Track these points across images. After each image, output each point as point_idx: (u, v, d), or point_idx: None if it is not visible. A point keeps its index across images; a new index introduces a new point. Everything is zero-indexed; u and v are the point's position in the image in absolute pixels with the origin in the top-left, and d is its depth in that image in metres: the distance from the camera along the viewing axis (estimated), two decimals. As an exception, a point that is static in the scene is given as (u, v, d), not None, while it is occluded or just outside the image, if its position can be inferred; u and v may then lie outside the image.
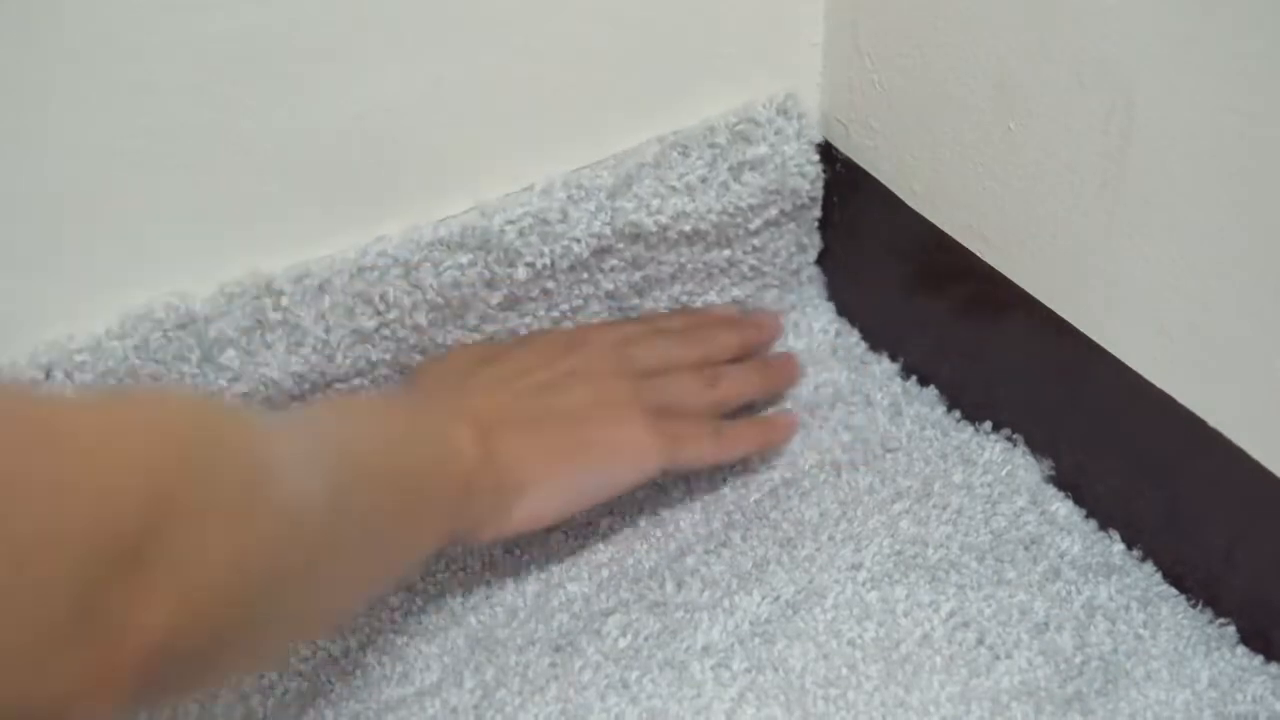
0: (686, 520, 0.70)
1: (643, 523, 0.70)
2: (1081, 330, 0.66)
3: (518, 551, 0.69)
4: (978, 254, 0.70)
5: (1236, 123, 0.54)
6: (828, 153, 0.77)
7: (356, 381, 0.68)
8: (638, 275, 0.74)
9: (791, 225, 0.78)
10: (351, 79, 0.62)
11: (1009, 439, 0.73)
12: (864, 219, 0.77)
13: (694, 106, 0.72)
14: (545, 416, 0.63)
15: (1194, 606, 0.66)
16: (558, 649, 0.64)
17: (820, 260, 0.81)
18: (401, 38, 0.63)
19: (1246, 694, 0.62)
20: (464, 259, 0.68)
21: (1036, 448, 0.72)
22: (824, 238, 0.80)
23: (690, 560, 0.68)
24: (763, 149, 0.73)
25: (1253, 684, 0.62)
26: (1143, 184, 0.59)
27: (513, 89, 0.67)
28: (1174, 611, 0.65)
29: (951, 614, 0.65)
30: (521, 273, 0.70)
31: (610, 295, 0.74)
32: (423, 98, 0.65)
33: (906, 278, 0.76)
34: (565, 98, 0.69)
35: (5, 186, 0.58)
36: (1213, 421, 0.61)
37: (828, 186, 0.77)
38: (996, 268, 0.69)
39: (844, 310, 0.82)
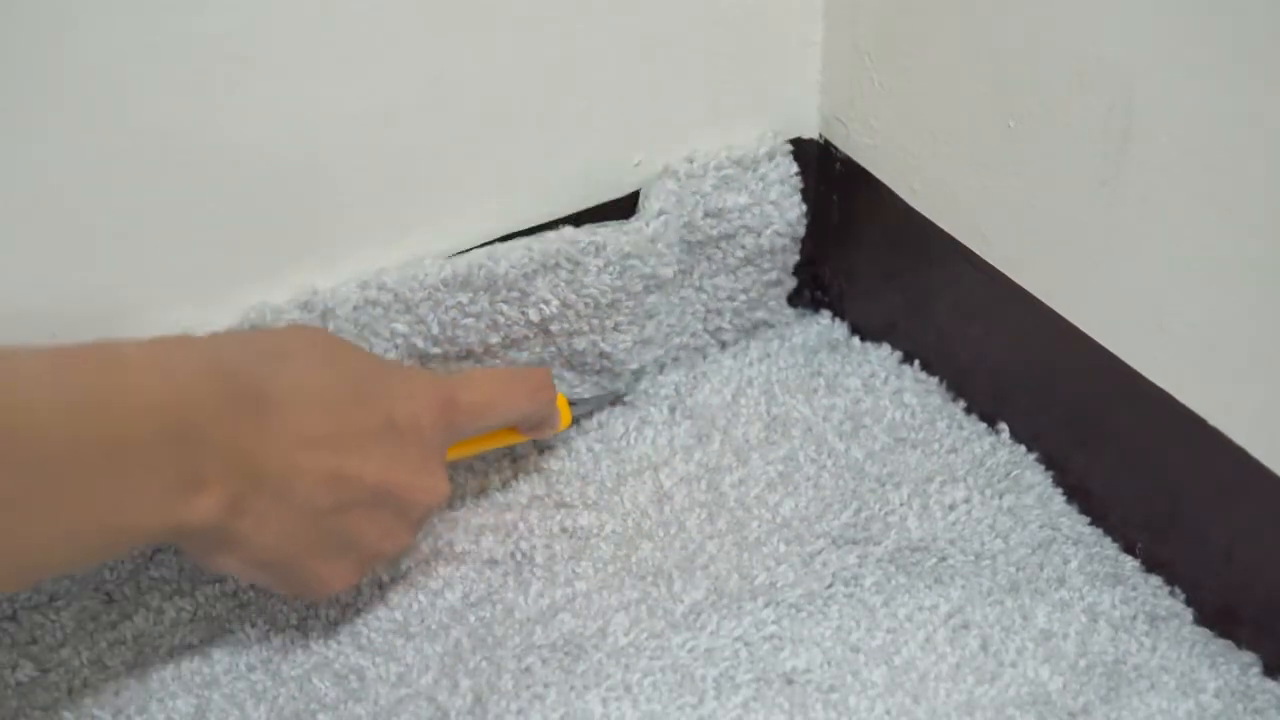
0: (692, 520, 0.70)
1: (647, 524, 0.70)
2: (1081, 329, 0.65)
3: (519, 555, 0.69)
4: (977, 252, 0.70)
5: (1236, 122, 0.54)
6: (827, 152, 0.77)
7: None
8: (649, 324, 0.76)
9: (777, 256, 0.78)
10: (349, 89, 0.63)
11: (1010, 438, 0.73)
12: (864, 218, 0.77)
13: (694, 108, 0.72)
14: (314, 523, 0.57)
15: (1198, 613, 0.65)
16: (557, 648, 0.64)
17: (820, 259, 0.81)
18: (407, 49, 0.63)
19: (1251, 705, 0.61)
20: (464, 297, 0.68)
21: (1037, 446, 0.72)
22: (824, 238, 0.79)
23: (699, 559, 0.68)
24: (743, 198, 0.74)
25: (1259, 696, 0.62)
26: (1142, 183, 0.59)
27: (509, 126, 0.68)
28: (1179, 620, 0.65)
29: (955, 618, 0.65)
30: (525, 318, 0.71)
31: (604, 356, 0.75)
32: (419, 116, 0.65)
33: (906, 276, 0.76)
34: (572, 128, 0.70)
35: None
36: (1213, 421, 0.61)
37: (828, 185, 0.77)
38: (996, 266, 0.69)
39: (844, 309, 0.82)
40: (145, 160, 0.59)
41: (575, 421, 0.75)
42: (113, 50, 0.56)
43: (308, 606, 0.67)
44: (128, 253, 0.61)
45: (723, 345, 0.81)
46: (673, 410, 0.76)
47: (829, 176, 0.77)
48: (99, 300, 0.62)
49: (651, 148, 0.72)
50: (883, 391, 0.76)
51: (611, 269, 0.71)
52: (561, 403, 0.71)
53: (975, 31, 0.64)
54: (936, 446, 0.73)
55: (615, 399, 0.77)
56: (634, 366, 0.76)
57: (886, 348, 0.79)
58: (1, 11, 0.53)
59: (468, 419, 0.64)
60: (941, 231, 0.71)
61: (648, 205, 0.72)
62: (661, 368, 0.79)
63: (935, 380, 0.77)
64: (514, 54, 0.66)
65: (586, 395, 0.76)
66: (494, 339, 0.70)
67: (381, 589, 0.67)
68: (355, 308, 0.66)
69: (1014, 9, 0.62)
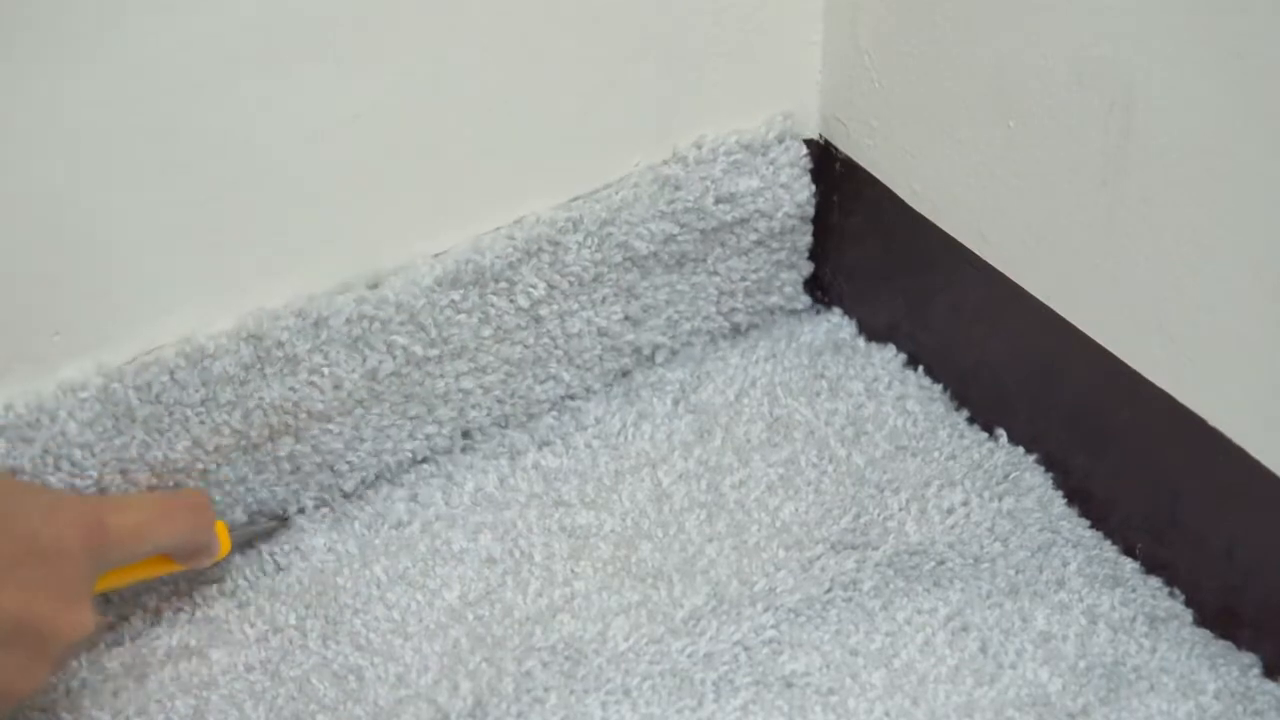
0: (691, 521, 0.70)
1: (646, 524, 0.70)
2: (1081, 329, 0.65)
3: (517, 553, 0.69)
4: (977, 252, 0.70)
5: (1236, 121, 0.54)
6: (827, 152, 0.76)
7: (359, 412, 0.69)
8: (635, 305, 0.75)
9: (788, 238, 0.78)
10: (347, 90, 0.63)
11: (1010, 440, 0.73)
12: (864, 218, 0.77)
13: (692, 109, 0.72)
14: None
15: (1198, 614, 0.65)
16: (557, 651, 0.64)
17: (821, 259, 0.80)
18: (404, 49, 0.63)
19: (1251, 706, 0.61)
20: (455, 295, 0.68)
21: (1037, 448, 0.72)
22: (824, 237, 0.79)
23: (698, 563, 0.68)
24: (755, 181, 0.74)
25: (1259, 698, 0.61)
26: (1142, 182, 0.59)
27: (505, 121, 0.68)
28: (1179, 621, 0.65)
29: (954, 621, 0.64)
30: (514, 305, 0.71)
31: (603, 333, 0.75)
32: (415, 114, 0.65)
33: (907, 276, 0.76)
34: (561, 117, 0.69)
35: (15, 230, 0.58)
36: (1213, 421, 0.60)
37: (828, 185, 0.77)
38: (996, 266, 0.69)
39: (845, 309, 0.81)
40: (144, 162, 0.59)
41: (235, 549, 0.69)
42: (111, 51, 0.56)
43: (306, 606, 0.67)
44: (126, 255, 0.62)
45: (736, 329, 0.80)
46: (675, 404, 0.76)
47: (829, 176, 0.77)
48: (99, 303, 0.62)
49: (651, 149, 0.72)
50: (885, 397, 0.76)
51: (591, 242, 0.71)
52: (220, 529, 0.66)
53: (975, 31, 0.64)
54: (936, 454, 0.73)
55: (279, 523, 0.71)
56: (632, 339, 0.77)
57: (891, 349, 0.79)
58: (4, 13, 0.54)
59: (119, 545, 0.58)
60: (941, 231, 0.71)
61: (622, 181, 0.72)
62: (673, 354, 0.78)
63: (939, 387, 0.77)
64: (512, 56, 0.66)
65: (248, 521, 0.70)
66: (485, 332, 0.70)
67: (380, 587, 0.67)
68: (348, 321, 0.66)
69: (1014, 9, 0.62)
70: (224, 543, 0.66)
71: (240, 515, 0.69)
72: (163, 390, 0.63)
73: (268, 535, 0.70)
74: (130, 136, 0.58)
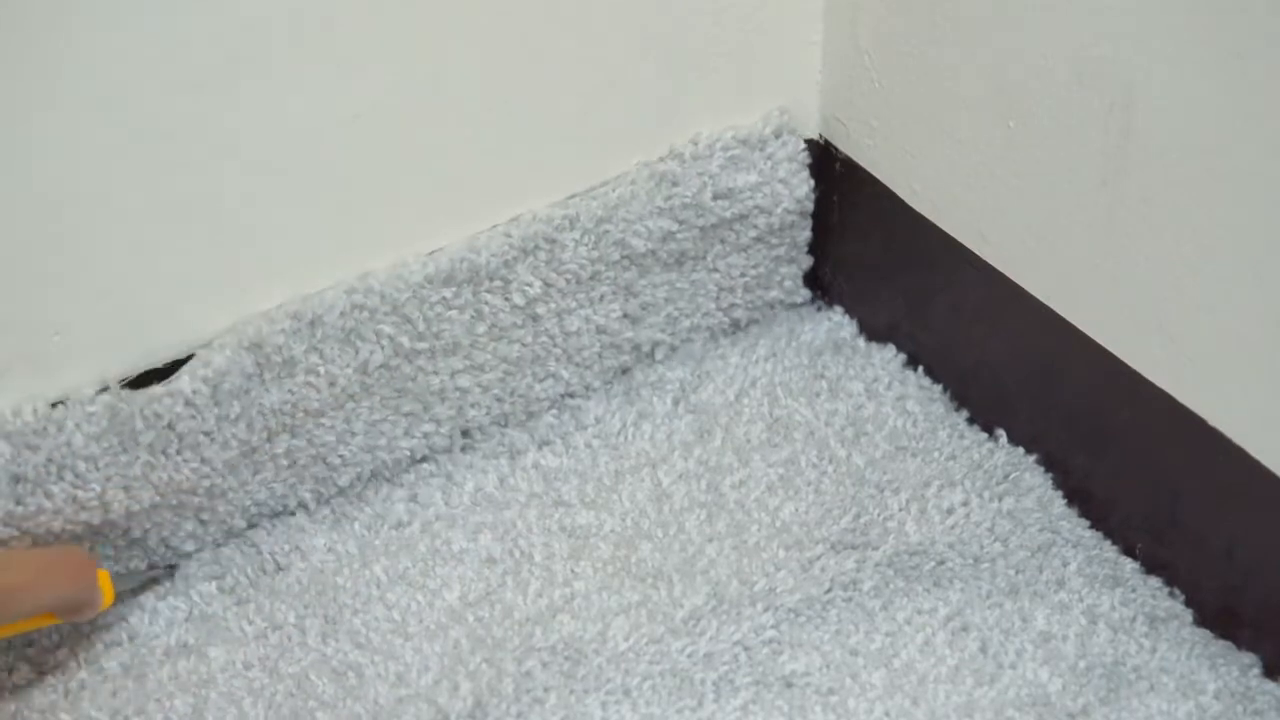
0: (691, 521, 0.70)
1: (646, 524, 0.70)
2: (1081, 329, 0.65)
3: (517, 553, 0.69)
4: (977, 252, 0.70)
5: (1236, 122, 0.54)
6: (827, 152, 0.76)
7: (350, 406, 0.69)
8: (634, 303, 0.75)
9: (787, 234, 0.78)
10: (340, 93, 0.63)
11: (1009, 441, 0.73)
12: (864, 217, 0.77)
13: (692, 108, 0.72)
14: None
15: (1198, 614, 0.65)
16: (556, 651, 0.64)
17: (821, 259, 0.80)
18: (405, 51, 0.63)
19: (1251, 706, 0.61)
20: (448, 292, 0.68)
21: (1037, 448, 0.72)
22: (825, 237, 0.79)
23: (698, 563, 0.68)
24: (753, 176, 0.74)
25: (1259, 698, 0.61)
26: (1142, 182, 0.59)
27: (504, 120, 0.68)
28: (1179, 621, 0.65)
29: (954, 621, 0.64)
30: (509, 303, 0.71)
31: (601, 330, 0.75)
32: (414, 114, 0.65)
33: (907, 276, 0.76)
34: (561, 116, 0.69)
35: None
36: (1213, 421, 0.60)
37: (828, 185, 0.77)
38: (996, 266, 0.69)
39: (845, 308, 0.81)
40: (144, 162, 0.59)
41: (119, 598, 0.67)
42: (112, 51, 0.56)
43: (305, 605, 0.67)
44: (126, 255, 0.62)
45: (735, 324, 0.80)
46: (675, 403, 0.76)
47: (829, 176, 0.77)
48: (99, 303, 0.62)
49: (649, 148, 0.72)
50: (885, 397, 0.76)
51: (588, 239, 0.71)
52: (104, 580, 0.65)
53: (975, 31, 0.64)
54: (936, 454, 0.73)
55: (165, 571, 0.69)
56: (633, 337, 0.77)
57: (891, 349, 0.79)
58: (3, 14, 0.54)
59: None
60: (941, 231, 0.71)
61: (619, 178, 0.72)
62: (672, 350, 0.78)
63: (939, 388, 0.77)
64: (512, 56, 0.66)
65: (133, 570, 0.69)
66: (480, 329, 0.70)
67: (379, 587, 0.67)
68: (342, 314, 0.66)
69: (1014, 9, 0.62)
70: (107, 593, 0.65)
71: (240, 521, 0.70)
72: (176, 419, 0.63)
73: (155, 583, 0.69)
74: (130, 136, 0.58)
